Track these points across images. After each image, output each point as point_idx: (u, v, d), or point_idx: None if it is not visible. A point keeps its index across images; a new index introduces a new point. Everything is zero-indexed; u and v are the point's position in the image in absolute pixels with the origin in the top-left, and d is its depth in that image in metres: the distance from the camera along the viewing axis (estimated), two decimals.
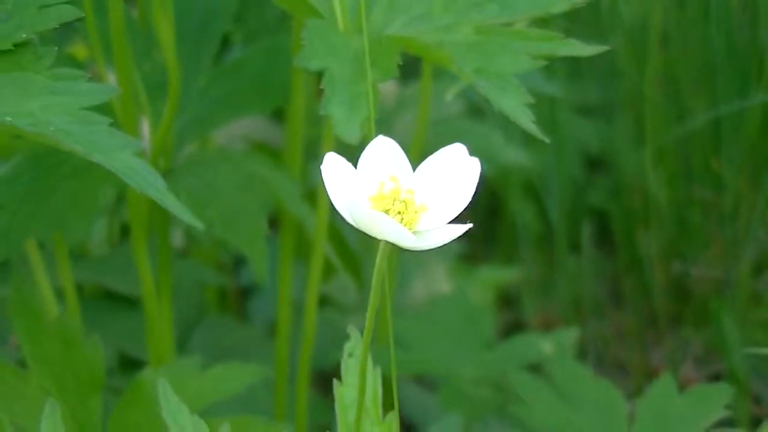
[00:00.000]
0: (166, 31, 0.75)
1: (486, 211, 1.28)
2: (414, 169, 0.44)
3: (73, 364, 0.78)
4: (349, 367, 0.54)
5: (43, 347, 0.78)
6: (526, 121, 0.56)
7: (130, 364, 0.94)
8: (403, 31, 0.66)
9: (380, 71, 0.58)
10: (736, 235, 1.16)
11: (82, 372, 0.78)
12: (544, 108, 1.02)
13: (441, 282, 1.10)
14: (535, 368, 0.97)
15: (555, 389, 0.91)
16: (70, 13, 0.56)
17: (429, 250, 0.58)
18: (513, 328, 1.17)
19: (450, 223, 0.43)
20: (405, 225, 0.40)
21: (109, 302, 0.99)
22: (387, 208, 0.41)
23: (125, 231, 1.09)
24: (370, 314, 0.45)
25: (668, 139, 1.17)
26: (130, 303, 0.97)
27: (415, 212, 0.42)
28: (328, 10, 0.65)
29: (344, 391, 0.54)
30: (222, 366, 0.78)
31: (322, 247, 0.83)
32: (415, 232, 0.41)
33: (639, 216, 1.24)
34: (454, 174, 0.43)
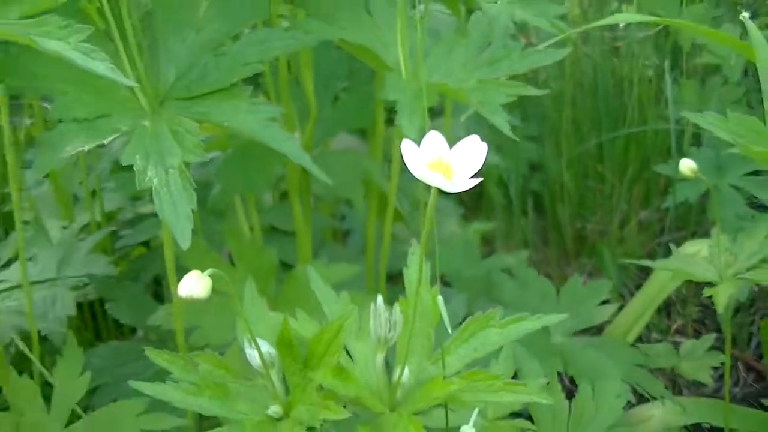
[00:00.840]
0: (308, 84, 1.00)
1: (476, 192, 1.51)
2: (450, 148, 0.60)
3: (258, 263, 1.00)
4: (412, 260, 0.72)
5: (243, 254, 1.00)
6: (507, 130, 0.78)
7: (286, 267, 1.12)
8: (439, 80, 0.85)
9: (428, 101, 0.77)
10: (611, 206, 1.45)
11: (263, 267, 1.00)
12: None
13: (454, 229, 1.37)
14: (505, 271, 1.21)
15: (516, 282, 1.16)
16: (258, 68, 0.77)
17: (451, 196, 0.99)
18: (491, 253, 1.40)
19: (470, 178, 0.58)
20: (446, 178, 0.57)
21: (276, 233, 1.22)
22: (436, 170, 0.58)
23: (283, 195, 1.29)
24: (425, 233, 0.61)
25: (574, 154, 1.45)
26: (287, 234, 1.20)
27: (452, 172, 0.59)
28: (397, 67, 0.84)
29: (410, 273, 0.72)
30: (337, 265, 1.01)
31: (393, 203, 1.03)
32: (451, 183, 0.58)
33: (558, 196, 1.47)
34: (472, 151, 0.60)
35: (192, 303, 0.58)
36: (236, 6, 0.76)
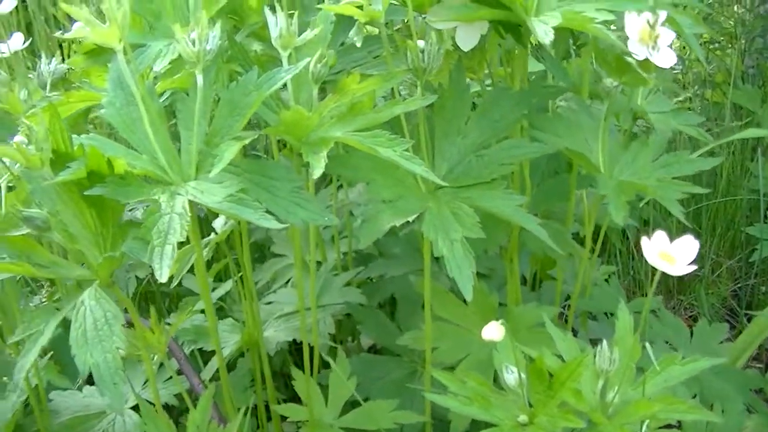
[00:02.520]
0: (526, 171, 1.16)
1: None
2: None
3: (484, 303, 1.18)
4: (622, 312, 1.00)
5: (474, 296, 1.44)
6: (683, 219, 1.26)
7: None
8: (628, 178, 1.09)
9: (626, 195, 1.03)
10: (704, 255, 1.78)
11: (487, 307, 1.17)
12: None
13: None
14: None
15: (659, 321, 1.37)
16: (510, 168, 1.02)
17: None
18: None
19: (687, 265, 0.84)
20: (670, 264, 0.84)
21: (486, 278, 1.37)
22: (664, 258, 0.85)
23: None
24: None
25: None
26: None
27: (674, 260, 0.85)
28: (599, 167, 1.06)
29: (620, 322, 0.98)
30: (545, 307, 1.18)
31: (586, 258, 1.34)
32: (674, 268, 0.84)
33: None
34: (688, 246, 0.86)
35: (489, 342, 0.85)
36: (491, 121, 1.04)
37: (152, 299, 1.50)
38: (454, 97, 1.04)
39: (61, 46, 1.72)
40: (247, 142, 0.89)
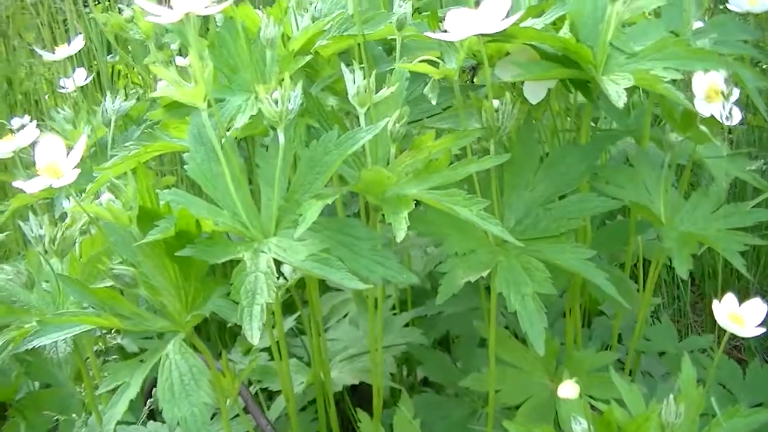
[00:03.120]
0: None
1: None
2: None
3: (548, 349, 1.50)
4: (686, 365, 1.00)
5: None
6: (745, 272, 1.26)
7: None
8: (688, 229, 1.09)
9: (690, 248, 1.05)
10: (748, 286, 1.83)
11: (550, 351, 1.19)
12: None
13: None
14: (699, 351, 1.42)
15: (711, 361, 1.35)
16: (578, 223, 1.05)
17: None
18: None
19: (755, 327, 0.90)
20: (739, 326, 0.91)
21: None
22: (733, 320, 0.91)
23: None
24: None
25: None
26: None
27: (744, 322, 0.91)
28: (659, 217, 1.08)
29: (684, 375, 1.01)
30: (604, 353, 1.24)
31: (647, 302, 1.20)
32: (744, 330, 0.93)
33: (709, 276, 1.80)
34: (756, 308, 0.91)
35: (564, 400, 0.88)
36: (558, 174, 1.06)
37: (205, 326, 1.51)
38: (523, 151, 1.06)
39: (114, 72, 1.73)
40: (329, 201, 0.91)
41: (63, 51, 1.27)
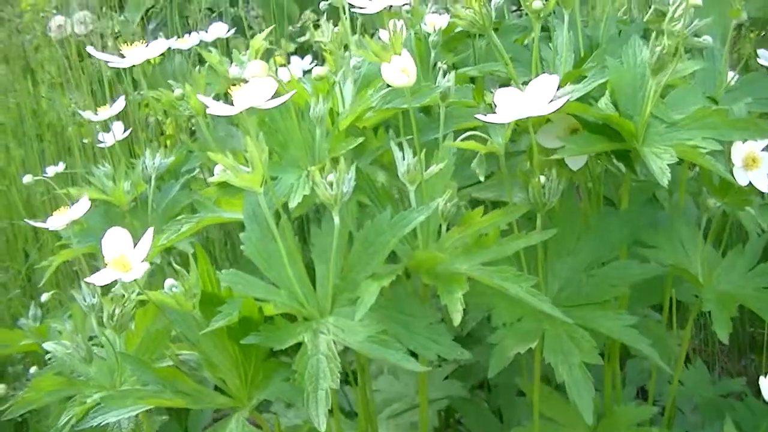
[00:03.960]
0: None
1: None
2: None
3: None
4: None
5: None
6: None
7: None
8: (726, 288, 1.12)
9: (729, 310, 1.06)
10: None
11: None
12: None
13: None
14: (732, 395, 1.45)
15: (745, 406, 1.33)
16: (621, 290, 1.09)
17: None
18: None
19: None
20: None
21: None
22: None
23: None
24: None
25: None
26: None
27: None
28: (697, 277, 1.09)
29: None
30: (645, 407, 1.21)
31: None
32: None
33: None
34: None
35: None
36: (600, 241, 1.09)
37: None
38: (565, 218, 1.09)
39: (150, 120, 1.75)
40: (386, 283, 0.94)
41: (105, 112, 1.29)
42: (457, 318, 0.91)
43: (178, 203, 1.36)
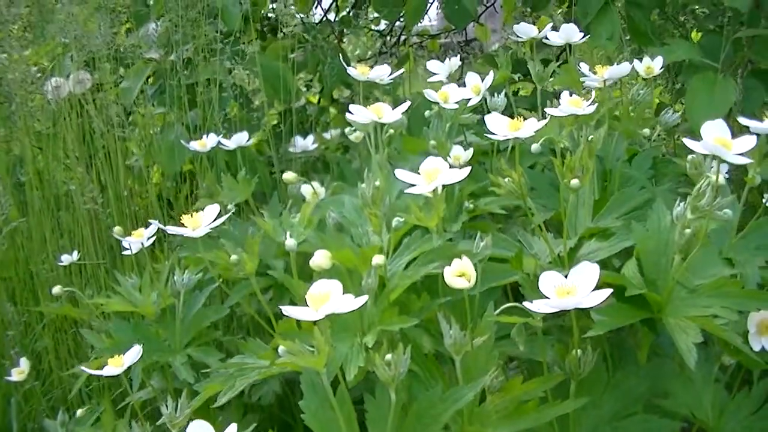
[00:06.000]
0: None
1: None
2: None
3: None
4: None
5: None
6: None
7: None
8: None
9: None
10: None
11: None
12: None
13: None
14: None
15: None
16: None
17: None
18: None
19: None
20: None
21: None
22: None
23: None
24: None
25: None
26: None
27: None
28: None
29: None
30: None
31: None
32: None
33: None
34: None
35: None
36: (622, 394, 1.18)
37: None
38: (591, 374, 1.17)
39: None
40: None
41: (137, 242, 1.34)
42: None
43: (205, 317, 1.42)
